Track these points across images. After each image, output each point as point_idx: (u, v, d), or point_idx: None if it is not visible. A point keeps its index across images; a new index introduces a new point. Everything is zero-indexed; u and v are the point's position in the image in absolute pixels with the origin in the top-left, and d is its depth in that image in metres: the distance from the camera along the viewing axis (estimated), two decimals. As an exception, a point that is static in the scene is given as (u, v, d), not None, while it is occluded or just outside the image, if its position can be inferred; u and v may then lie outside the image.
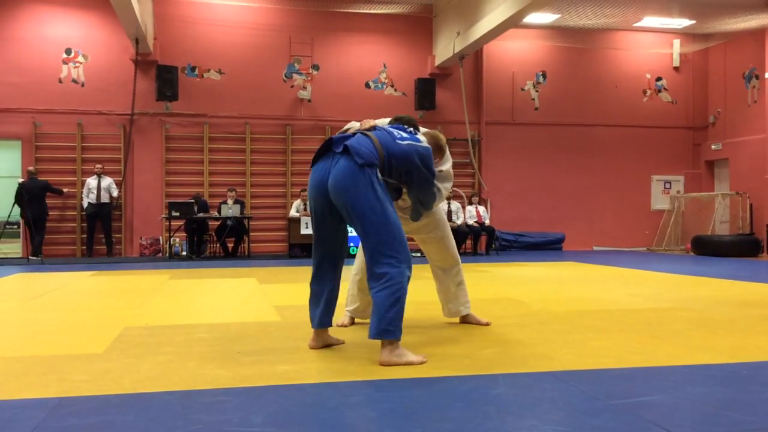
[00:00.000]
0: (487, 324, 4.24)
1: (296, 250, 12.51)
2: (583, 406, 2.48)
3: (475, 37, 12.30)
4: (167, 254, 12.46)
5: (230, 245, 12.61)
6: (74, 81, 12.95)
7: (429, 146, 3.58)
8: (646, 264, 10.13)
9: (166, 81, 12.71)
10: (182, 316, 4.86)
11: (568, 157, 14.84)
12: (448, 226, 4.27)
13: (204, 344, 3.71)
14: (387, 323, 3.14)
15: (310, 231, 12.17)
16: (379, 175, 3.26)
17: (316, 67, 13.87)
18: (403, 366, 3.11)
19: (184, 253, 12.49)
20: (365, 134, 3.39)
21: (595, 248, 14.70)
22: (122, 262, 11.28)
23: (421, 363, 3.16)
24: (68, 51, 12.93)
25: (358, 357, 3.36)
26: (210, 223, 12.57)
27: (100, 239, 12.63)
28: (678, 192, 15.37)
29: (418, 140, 3.53)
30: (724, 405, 2.51)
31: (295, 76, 13.79)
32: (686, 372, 3.05)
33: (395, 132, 3.47)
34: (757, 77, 14.05)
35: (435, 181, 3.64)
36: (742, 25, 13.28)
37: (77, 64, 12.97)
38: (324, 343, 3.57)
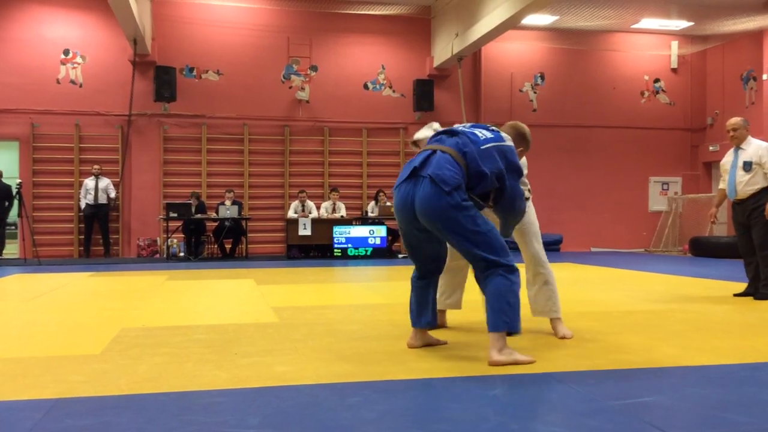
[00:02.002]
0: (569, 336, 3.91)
1: (294, 251, 12.51)
2: (580, 407, 2.47)
3: (473, 39, 12.31)
4: (165, 255, 12.45)
5: (228, 246, 12.60)
6: (72, 82, 12.94)
7: (512, 144, 3.45)
8: (644, 265, 10.14)
9: (164, 82, 12.70)
10: (180, 318, 4.85)
11: (567, 158, 14.85)
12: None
13: (201, 345, 3.71)
14: (501, 318, 3.13)
15: (308, 232, 12.28)
16: (465, 194, 3.20)
17: (314, 68, 13.87)
18: (399, 368, 3.11)
19: (182, 254, 12.48)
20: (444, 150, 3.28)
21: (592, 249, 14.71)
22: (120, 263, 11.27)
23: (530, 362, 3.16)
24: (66, 52, 12.92)
25: (356, 358, 3.35)
26: (208, 224, 12.56)
27: (98, 240, 12.62)
28: (676, 193, 15.39)
29: (502, 138, 3.40)
30: (721, 406, 2.51)
31: (293, 77, 13.79)
32: (683, 373, 3.05)
33: (478, 134, 3.35)
34: (755, 79, 14.07)
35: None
36: (739, 26, 13.30)
37: (75, 65, 12.96)
38: (425, 343, 3.63)
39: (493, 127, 3.50)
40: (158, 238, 13.02)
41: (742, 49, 14.34)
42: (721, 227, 14.00)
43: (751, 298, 5.81)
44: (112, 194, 12.60)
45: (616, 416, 2.35)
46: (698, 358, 3.33)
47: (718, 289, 6.64)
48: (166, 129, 13.22)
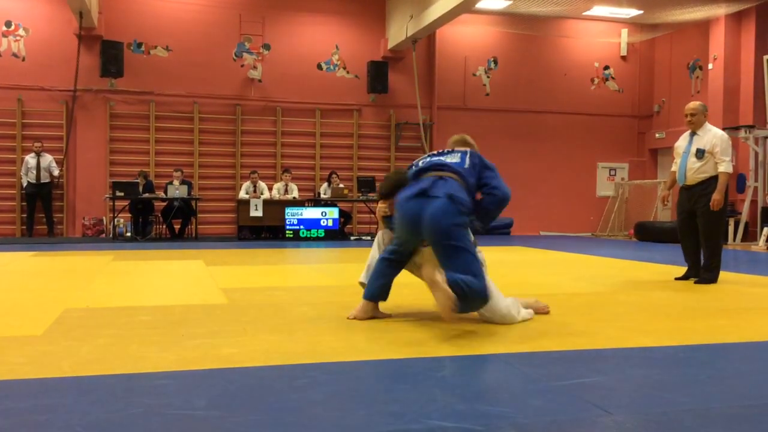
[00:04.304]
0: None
1: (245, 233, 12.39)
2: (526, 388, 2.52)
3: (428, 21, 12.30)
4: (111, 235, 12.18)
5: (177, 227, 12.40)
6: (14, 55, 12.48)
7: (473, 150, 3.97)
8: (590, 249, 10.36)
9: (110, 57, 12.36)
10: (125, 299, 4.76)
11: (518, 143, 15.02)
12: None
13: (147, 327, 3.65)
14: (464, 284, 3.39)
15: (259, 213, 12.16)
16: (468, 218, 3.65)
17: (267, 47, 13.67)
18: (348, 349, 3.12)
19: (129, 234, 12.23)
20: (449, 176, 3.69)
21: (542, 233, 14.96)
22: (64, 243, 10.98)
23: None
24: (8, 24, 12.44)
25: (305, 340, 3.34)
26: (156, 203, 12.32)
27: (41, 219, 12.27)
28: (622, 179, 15.74)
29: (465, 153, 3.88)
30: (661, 386, 2.58)
31: (245, 55, 13.57)
32: (626, 354, 3.13)
33: (450, 160, 3.81)
34: (701, 68, 14.44)
35: None
36: (687, 16, 13.60)
37: (18, 38, 12.49)
38: (371, 315, 3.88)
39: (447, 150, 3.98)
40: (104, 218, 12.73)
41: (690, 38, 14.68)
42: (666, 212, 14.39)
43: (692, 281, 5.98)
44: (55, 172, 12.23)
45: (559, 396, 2.40)
46: (640, 339, 3.42)
47: (661, 273, 6.83)
48: (112, 105, 12.88)
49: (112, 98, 12.88)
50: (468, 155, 3.86)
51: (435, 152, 3.99)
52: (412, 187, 3.71)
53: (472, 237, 3.70)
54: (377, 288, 3.87)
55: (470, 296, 3.38)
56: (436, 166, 3.79)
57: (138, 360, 2.90)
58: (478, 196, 3.81)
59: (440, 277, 3.34)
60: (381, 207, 4.09)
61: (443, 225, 3.52)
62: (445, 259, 3.56)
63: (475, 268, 3.50)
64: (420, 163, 3.90)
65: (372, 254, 4.13)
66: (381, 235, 4.19)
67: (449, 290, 3.27)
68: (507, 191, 3.81)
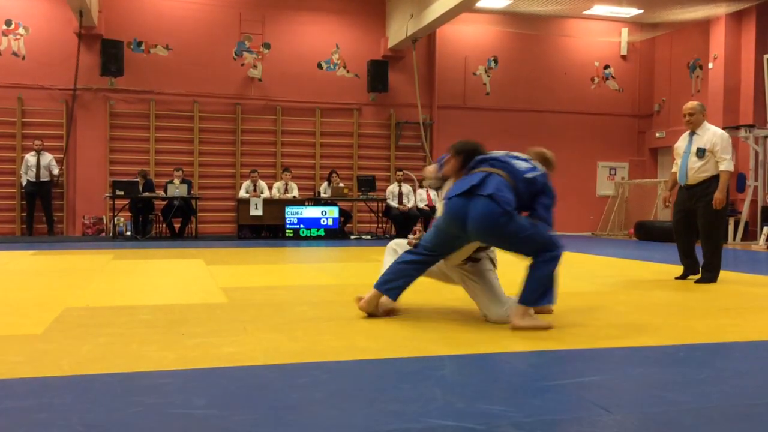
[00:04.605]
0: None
1: (245, 232, 12.39)
2: (527, 387, 2.52)
3: (428, 20, 12.29)
4: (111, 234, 12.18)
5: (177, 226, 12.39)
6: (14, 54, 12.47)
7: (545, 171, 3.87)
8: (590, 248, 10.36)
9: (110, 56, 12.34)
10: (125, 298, 4.76)
11: (518, 142, 14.82)
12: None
13: (147, 326, 3.65)
14: (531, 296, 3.63)
15: (259, 212, 12.16)
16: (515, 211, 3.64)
17: (267, 46, 13.67)
18: (349, 348, 3.12)
19: (129, 233, 12.22)
20: (498, 173, 3.66)
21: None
22: (64, 242, 10.97)
23: (547, 327, 3.61)
24: (8, 22, 12.43)
25: (305, 339, 3.34)
26: (156, 202, 12.32)
27: (41, 218, 12.26)
28: (622, 178, 15.73)
29: (536, 168, 3.81)
30: (660, 385, 2.58)
31: (245, 54, 13.56)
32: (626, 353, 3.13)
33: (516, 164, 3.76)
34: (701, 67, 14.43)
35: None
36: (688, 15, 13.59)
37: (18, 36, 12.48)
38: (384, 309, 3.93)
39: (524, 156, 3.91)
40: (104, 217, 12.72)
41: (690, 37, 14.67)
42: (666, 212, 14.39)
43: (691, 281, 5.98)
44: (55, 171, 12.22)
45: (560, 395, 2.40)
46: (640, 339, 3.42)
47: (661, 273, 6.83)
48: (112, 104, 12.87)
49: (112, 97, 12.88)
50: (538, 171, 3.79)
51: (510, 153, 3.92)
52: (462, 182, 3.70)
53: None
54: (396, 288, 3.84)
55: (546, 286, 3.65)
56: (495, 161, 3.76)
57: (138, 359, 2.90)
58: (524, 213, 3.76)
59: (517, 320, 3.60)
60: (430, 169, 4.15)
61: (488, 229, 3.58)
62: (510, 251, 3.72)
63: (539, 241, 3.63)
64: (496, 154, 3.85)
65: (386, 261, 4.11)
66: (396, 243, 4.19)
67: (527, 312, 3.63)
68: (548, 226, 3.75)
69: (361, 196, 12.95)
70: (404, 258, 3.90)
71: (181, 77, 13.15)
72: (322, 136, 14.02)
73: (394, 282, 3.84)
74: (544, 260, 3.63)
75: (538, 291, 3.64)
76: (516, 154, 3.90)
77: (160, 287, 5.37)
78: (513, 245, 3.68)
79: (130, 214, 12.08)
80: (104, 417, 2.13)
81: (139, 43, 13.01)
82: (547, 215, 3.74)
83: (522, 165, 3.77)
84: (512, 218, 3.56)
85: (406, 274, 3.85)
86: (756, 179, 12.73)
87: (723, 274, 6.07)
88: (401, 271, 3.85)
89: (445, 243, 3.80)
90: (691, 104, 6.07)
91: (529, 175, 3.73)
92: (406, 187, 13.06)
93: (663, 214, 14.16)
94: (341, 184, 12.80)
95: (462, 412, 2.22)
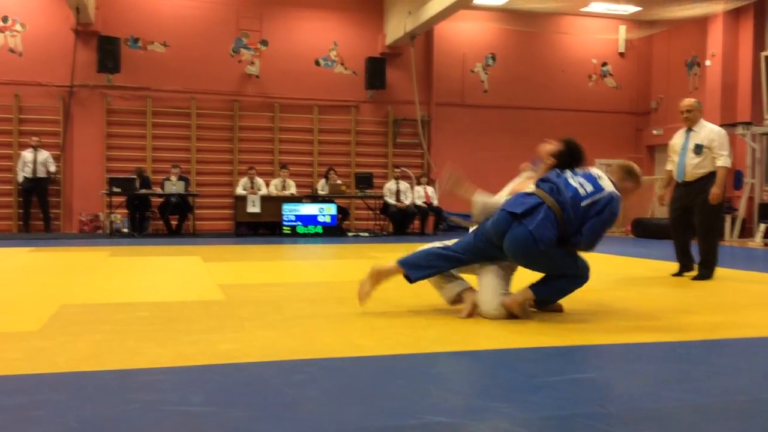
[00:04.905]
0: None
1: (242, 229, 12.38)
2: (522, 383, 2.52)
3: (426, 17, 12.28)
4: (108, 231, 12.16)
5: (174, 223, 12.38)
6: (11, 50, 12.44)
7: (615, 193, 3.77)
8: (588, 245, 10.34)
9: (107, 52, 12.33)
10: (122, 294, 4.75)
11: (516, 139, 14.98)
12: None
13: (144, 323, 3.64)
14: (543, 291, 3.82)
15: (257, 209, 12.15)
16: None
17: (264, 43, 13.65)
18: (345, 345, 3.12)
19: (126, 230, 12.21)
20: (550, 204, 3.68)
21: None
22: (61, 239, 10.96)
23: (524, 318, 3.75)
24: (5, 19, 12.40)
25: (302, 336, 3.34)
26: (153, 199, 12.30)
27: (38, 215, 12.24)
28: (620, 176, 15.71)
29: (602, 190, 3.74)
30: (657, 382, 2.59)
31: (242, 50, 13.54)
32: (622, 350, 3.13)
33: (579, 191, 3.71)
34: (698, 65, 14.43)
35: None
36: (685, 13, 13.59)
37: (14, 33, 12.45)
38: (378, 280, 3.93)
39: (599, 173, 3.87)
40: (101, 214, 12.71)
41: (687, 35, 14.67)
42: (663, 209, 14.40)
43: (687, 277, 5.99)
44: (52, 168, 12.20)
45: (557, 392, 2.40)
46: (636, 335, 3.43)
47: (658, 270, 6.83)
48: (109, 101, 12.85)
49: (109, 94, 12.86)
50: (603, 193, 3.73)
51: (589, 171, 3.91)
52: (520, 199, 3.77)
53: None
54: (421, 274, 3.86)
55: (562, 295, 3.90)
56: (556, 186, 3.76)
57: (134, 356, 2.90)
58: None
59: (515, 304, 3.73)
60: (527, 176, 4.19)
61: (520, 254, 3.74)
62: (542, 271, 3.88)
63: (567, 272, 3.82)
64: (566, 174, 3.84)
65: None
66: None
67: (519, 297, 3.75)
68: (589, 246, 3.78)
69: (358, 193, 12.95)
70: (439, 251, 3.89)
71: (179, 74, 13.13)
72: (320, 133, 14.01)
73: (423, 269, 3.85)
74: (569, 278, 3.85)
75: (553, 293, 3.88)
76: (595, 172, 3.88)
77: (157, 284, 5.36)
78: (542, 269, 3.86)
79: (127, 211, 12.07)
80: (100, 414, 2.12)
81: (136, 40, 12.99)
82: (592, 236, 3.74)
83: (586, 189, 3.73)
84: (544, 253, 3.68)
85: (435, 265, 3.87)
86: (753, 176, 12.74)
87: (719, 270, 6.07)
88: (433, 259, 3.87)
89: (484, 249, 3.84)
90: (689, 101, 6.09)
91: (589, 200, 3.71)
92: (403, 185, 13.06)
93: (660, 211, 14.17)
94: (339, 181, 12.79)
95: (457, 408, 2.22)
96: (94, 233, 12.39)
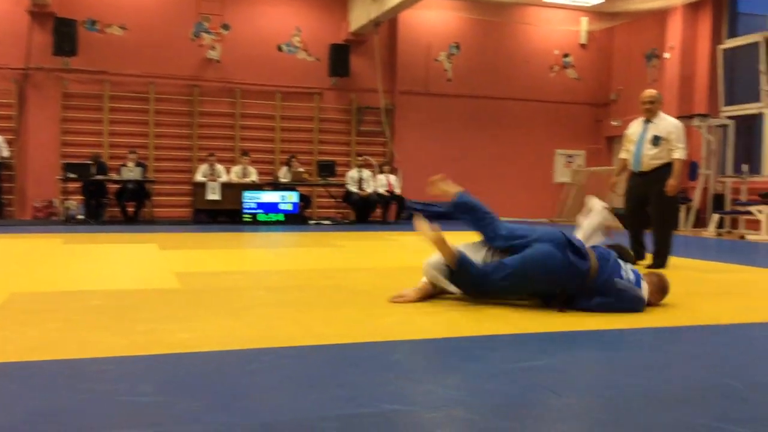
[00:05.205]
0: None
1: (202, 216, 12.22)
2: (479, 371, 2.53)
3: (390, 5, 12.23)
4: (63, 218, 11.90)
5: (131, 210, 12.16)
6: (-39, 30, 12.04)
7: (643, 299, 3.77)
8: (548, 235, 10.47)
9: (64, 35, 12.02)
10: (75, 283, 4.65)
11: (479, 129, 15.08)
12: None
13: (97, 312, 3.57)
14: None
15: (216, 196, 12.00)
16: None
17: (226, 27, 13.44)
18: (304, 334, 3.10)
19: (81, 216, 11.96)
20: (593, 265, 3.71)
21: (501, 219, 15.05)
22: (13, 225, 10.68)
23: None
24: (-46, -3, 11.99)
25: (260, 324, 3.31)
26: (109, 186, 12.07)
27: (-10, 200, 11.92)
28: (579, 166, 15.95)
29: (639, 287, 3.77)
30: (609, 368, 2.63)
31: (203, 35, 13.32)
32: (576, 337, 3.17)
33: (624, 272, 3.76)
34: (657, 57, 14.66)
35: None
36: (646, 5, 13.78)
37: (-36, 12, 12.05)
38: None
39: (642, 274, 3.89)
40: (56, 200, 12.42)
41: (647, 27, 14.88)
42: (620, 199, 14.64)
43: (641, 266, 6.09)
44: (5, 153, 11.87)
45: (512, 379, 2.42)
46: (590, 322, 3.47)
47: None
48: (65, 85, 12.54)
49: (66, 77, 12.54)
50: (637, 293, 3.76)
51: (638, 271, 3.92)
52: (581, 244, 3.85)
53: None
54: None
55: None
56: (606, 257, 3.83)
57: (86, 345, 2.84)
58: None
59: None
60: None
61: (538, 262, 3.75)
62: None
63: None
64: (621, 263, 3.87)
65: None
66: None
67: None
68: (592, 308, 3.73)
69: (321, 181, 12.89)
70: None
71: (137, 58, 12.86)
72: (282, 120, 13.88)
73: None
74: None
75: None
76: (640, 275, 3.88)
77: (112, 272, 5.26)
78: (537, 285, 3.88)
79: (82, 197, 11.82)
80: (50, 404, 2.07)
81: (94, 23, 12.68)
82: (599, 307, 3.69)
83: (630, 278, 3.76)
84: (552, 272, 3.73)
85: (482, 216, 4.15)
86: (708, 168, 13.02)
87: (674, 260, 6.20)
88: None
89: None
90: (651, 92, 6.19)
91: (623, 285, 3.72)
92: (366, 173, 13.03)
93: (618, 201, 14.40)
94: (301, 169, 12.71)
95: (415, 396, 2.22)
96: (48, 220, 12.11)
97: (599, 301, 3.70)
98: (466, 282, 3.86)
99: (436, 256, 3.92)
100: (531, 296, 3.95)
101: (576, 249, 3.74)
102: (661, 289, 3.96)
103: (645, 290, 3.81)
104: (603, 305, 3.69)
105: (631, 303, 3.74)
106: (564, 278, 3.69)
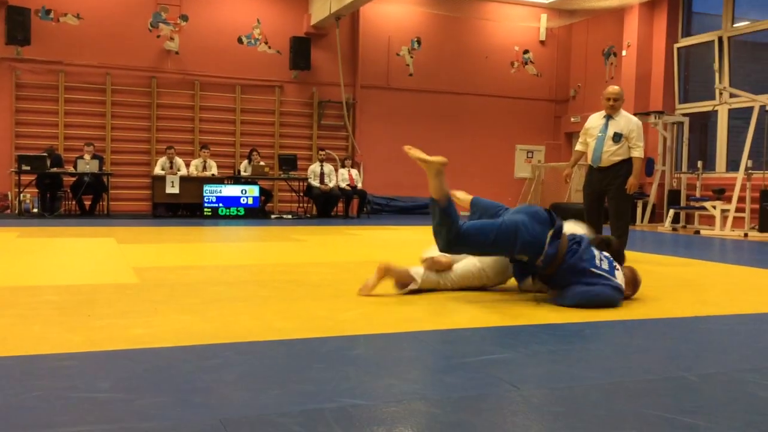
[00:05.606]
0: None
1: (161, 210, 12.05)
2: (439, 365, 2.55)
3: (351, -2, 12.19)
4: (16, 211, 11.60)
5: (88, 203, 11.91)
6: None
7: (621, 287, 3.82)
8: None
9: (17, 23, 11.71)
10: (29, 277, 4.55)
11: (440, 123, 15.15)
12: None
13: (51, 307, 3.49)
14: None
15: (176, 190, 11.84)
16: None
17: (184, 18, 13.24)
18: (263, 329, 3.08)
19: (36, 210, 11.68)
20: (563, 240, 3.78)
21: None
22: (-36, 219, 10.38)
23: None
24: None
25: (219, 319, 3.28)
26: (65, 178, 11.80)
27: (-61, 193, 11.56)
28: (539, 161, 16.15)
29: (610, 280, 3.78)
30: (567, 361, 2.67)
31: (161, 25, 13.10)
32: (534, 330, 3.21)
33: (598, 261, 3.79)
34: (615, 54, 14.91)
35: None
36: (603, 3, 14.00)
37: None
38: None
39: (617, 265, 3.92)
40: (9, 193, 12.10)
41: (605, 25, 15.12)
42: (579, 194, 14.86)
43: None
44: (-44, 144, 11.53)
45: (471, 373, 2.44)
46: (548, 316, 3.52)
47: (573, 253, 7.04)
48: (18, 75, 12.22)
49: (19, 67, 12.22)
50: (611, 282, 3.78)
51: (613, 260, 3.95)
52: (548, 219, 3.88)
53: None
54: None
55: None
56: (577, 240, 3.90)
57: (40, 341, 2.78)
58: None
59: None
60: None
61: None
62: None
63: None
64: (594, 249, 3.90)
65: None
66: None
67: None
68: (565, 302, 3.76)
69: (282, 175, 12.80)
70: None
71: (93, 48, 12.60)
72: (243, 113, 13.75)
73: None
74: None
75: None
76: (616, 265, 3.92)
77: (68, 267, 5.15)
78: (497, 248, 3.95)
79: (37, 190, 11.54)
80: (2, 401, 2.02)
81: (48, 11, 12.37)
82: (574, 297, 3.73)
83: (602, 265, 3.79)
84: (508, 230, 3.89)
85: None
86: (664, 164, 13.31)
87: (631, 254, 6.30)
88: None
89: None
90: (615, 89, 6.29)
91: (598, 271, 3.75)
92: (327, 167, 12.98)
93: (576, 196, 14.62)
94: (262, 163, 12.61)
95: (375, 390, 2.22)
96: (1, 213, 11.79)
97: (576, 291, 3.71)
98: (447, 224, 4.06)
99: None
100: (506, 278, 4.16)
101: (546, 220, 3.81)
102: (633, 281, 4.03)
103: (620, 279, 3.86)
104: (580, 295, 3.70)
105: (606, 291, 3.74)
106: (528, 240, 3.73)
